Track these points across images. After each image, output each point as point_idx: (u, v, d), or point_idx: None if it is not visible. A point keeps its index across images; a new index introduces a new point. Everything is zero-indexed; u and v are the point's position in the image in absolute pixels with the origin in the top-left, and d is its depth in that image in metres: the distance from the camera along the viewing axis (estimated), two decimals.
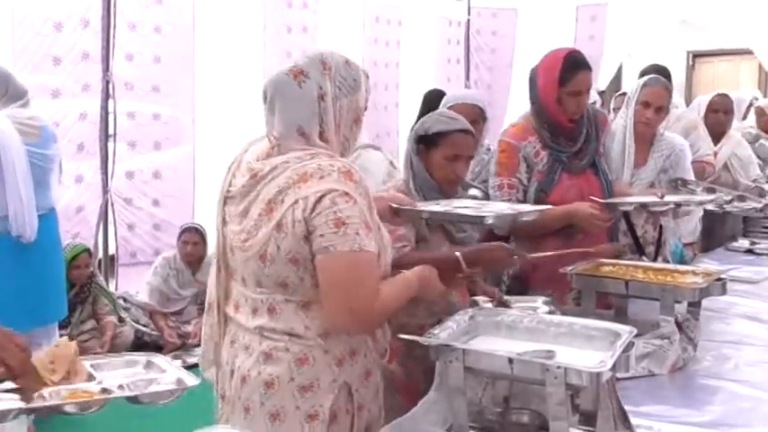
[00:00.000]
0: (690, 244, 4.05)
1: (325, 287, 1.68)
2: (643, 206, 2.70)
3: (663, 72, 4.32)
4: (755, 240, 3.88)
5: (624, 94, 4.99)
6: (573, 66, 2.60)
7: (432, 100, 6.90)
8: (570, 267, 2.36)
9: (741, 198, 3.23)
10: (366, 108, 1.85)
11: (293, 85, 1.73)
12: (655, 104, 3.15)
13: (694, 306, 2.25)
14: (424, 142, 2.33)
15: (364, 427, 1.82)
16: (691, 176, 3.27)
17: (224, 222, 1.84)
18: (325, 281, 1.67)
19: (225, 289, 1.88)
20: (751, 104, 5.79)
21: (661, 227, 3.10)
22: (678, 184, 3.10)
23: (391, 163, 3.55)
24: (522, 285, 2.68)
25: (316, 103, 1.73)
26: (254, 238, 1.71)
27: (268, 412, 1.75)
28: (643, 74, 4.36)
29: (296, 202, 1.65)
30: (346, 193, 1.64)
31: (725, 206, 3.22)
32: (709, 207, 3.21)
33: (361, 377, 1.80)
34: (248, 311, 1.80)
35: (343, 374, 1.76)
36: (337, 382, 1.75)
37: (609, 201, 2.65)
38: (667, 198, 2.71)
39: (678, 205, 2.74)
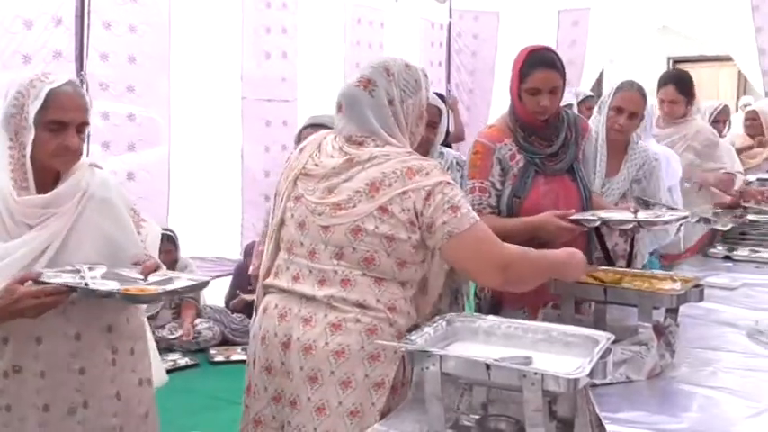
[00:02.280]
0: (676, 256, 3.96)
1: (466, 266, 1.92)
2: (604, 223, 2.56)
3: (681, 78, 4.23)
4: (733, 247, 3.89)
5: (590, 97, 4.99)
6: (533, 63, 2.52)
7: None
8: None
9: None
10: (427, 103, 2.10)
11: (365, 95, 1.95)
12: (628, 110, 3.03)
13: (672, 312, 2.23)
14: None
15: (407, 398, 1.93)
16: (663, 190, 3.16)
17: (288, 197, 2.01)
18: (460, 261, 1.91)
19: (272, 261, 2.07)
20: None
21: (632, 239, 2.95)
22: (640, 203, 2.99)
23: None
24: (495, 301, 2.64)
25: (387, 108, 1.95)
26: (351, 209, 1.88)
27: (339, 380, 1.87)
28: (663, 79, 4.26)
29: (405, 192, 1.85)
30: (449, 183, 1.88)
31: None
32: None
33: None
34: (313, 282, 1.94)
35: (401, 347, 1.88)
36: (398, 354, 1.88)
37: (574, 216, 2.49)
38: (627, 216, 2.57)
39: (639, 224, 2.56)
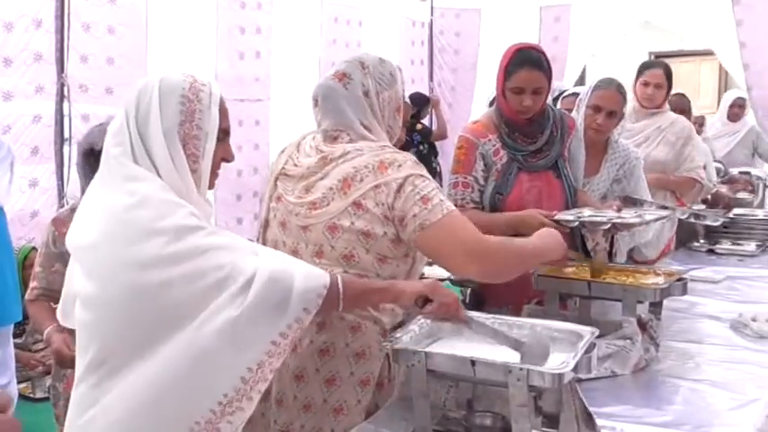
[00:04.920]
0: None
1: (440, 255, 1.86)
2: (582, 224, 2.45)
3: (668, 66, 4.14)
4: (716, 240, 3.91)
5: (574, 94, 4.94)
6: (518, 62, 2.50)
7: (416, 102, 6.93)
8: (532, 270, 2.32)
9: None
10: (403, 99, 2.07)
11: (340, 87, 1.94)
12: (606, 109, 2.95)
13: (656, 306, 2.24)
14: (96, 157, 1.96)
15: (393, 394, 1.93)
16: (645, 188, 3.10)
17: (270, 198, 2.02)
18: (434, 251, 1.85)
19: None
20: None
21: (612, 237, 2.81)
22: (628, 201, 2.90)
23: None
24: (478, 298, 2.63)
25: (363, 99, 1.94)
26: (325, 207, 1.87)
27: (323, 378, 1.88)
28: (650, 63, 4.26)
29: (377, 186, 1.82)
30: (421, 175, 1.85)
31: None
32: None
33: None
34: None
35: (386, 345, 1.86)
36: (383, 352, 1.88)
37: (555, 216, 2.42)
38: (605, 218, 2.43)
39: (614, 226, 2.41)
